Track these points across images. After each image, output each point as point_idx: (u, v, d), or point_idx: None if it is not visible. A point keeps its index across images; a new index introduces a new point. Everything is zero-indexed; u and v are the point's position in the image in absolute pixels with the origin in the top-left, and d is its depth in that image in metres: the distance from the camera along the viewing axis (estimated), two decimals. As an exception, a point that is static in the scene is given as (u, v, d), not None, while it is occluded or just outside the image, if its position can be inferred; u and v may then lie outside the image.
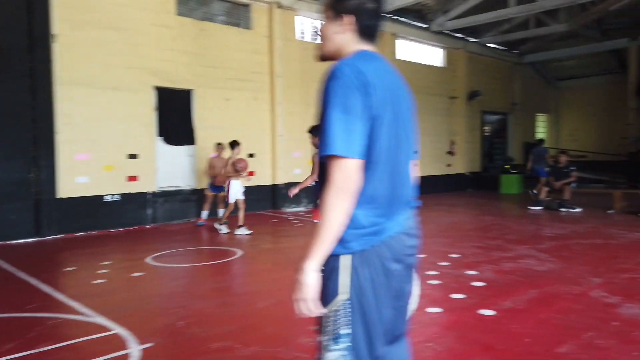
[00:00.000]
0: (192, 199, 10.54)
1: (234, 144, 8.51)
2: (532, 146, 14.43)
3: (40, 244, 7.99)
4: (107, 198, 9.25)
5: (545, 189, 11.37)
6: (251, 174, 11.38)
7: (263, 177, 11.67)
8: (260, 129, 11.68)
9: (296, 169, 12.37)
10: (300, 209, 12.36)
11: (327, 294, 1.57)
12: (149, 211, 9.87)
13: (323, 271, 1.57)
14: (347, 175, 1.46)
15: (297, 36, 12.55)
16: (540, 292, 4.58)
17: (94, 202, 9.05)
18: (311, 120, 13.16)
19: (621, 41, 17.60)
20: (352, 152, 1.46)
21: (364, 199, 1.54)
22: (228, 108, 11.02)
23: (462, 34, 16.53)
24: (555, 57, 19.65)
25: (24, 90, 8.18)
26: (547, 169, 11.80)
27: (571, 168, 11.17)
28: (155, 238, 8.49)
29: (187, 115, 10.41)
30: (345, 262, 1.54)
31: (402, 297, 1.68)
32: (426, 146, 16.03)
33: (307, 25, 12.95)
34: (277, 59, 11.62)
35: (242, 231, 8.27)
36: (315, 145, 5.07)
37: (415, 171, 1.87)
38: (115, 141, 9.30)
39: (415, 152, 1.85)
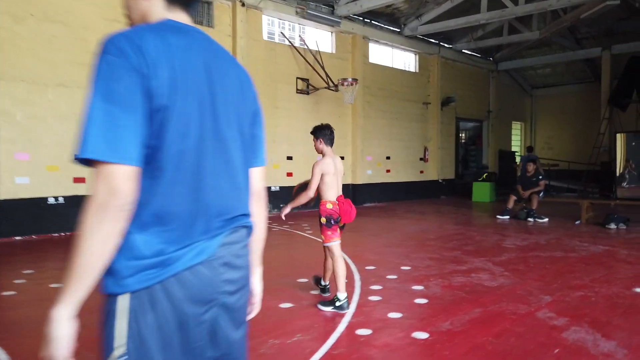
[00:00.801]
0: (146, 203, 10.04)
1: None
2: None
3: (-29, 250, 7.44)
4: (51, 200, 8.72)
5: (513, 198, 11.13)
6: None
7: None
8: (221, 131, 11.24)
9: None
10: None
11: (104, 346, 1.17)
12: (98, 215, 9.34)
13: (100, 315, 1.19)
14: (113, 187, 1.06)
15: (265, 36, 12.17)
16: (483, 312, 4.23)
17: (36, 205, 8.51)
18: (281, 125, 12.83)
19: (594, 50, 17.62)
20: (119, 155, 1.06)
21: (148, 219, 1.14)
22: (187, 109, 10.56)
23: (436, 39, 16.33)
24: (529, 64, 19.63)
25: (-44, 85, 7.64)
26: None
27: (539, 177, 10.95)
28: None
29: (142, 115, 9.93)
30: (122, 305, 1.14)
31: (218, 347, 1.28)
32: (399, 152, 15.79)
33: (275, 25, 12.58)
34: (241, 59, 11.19)
35: None
36: (317, 150, 4.46)
37: (258, 181, 1.48)
38: (60, 140, 8.76)
39: (258, 156, 1.47)
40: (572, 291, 4.89)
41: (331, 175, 4.29)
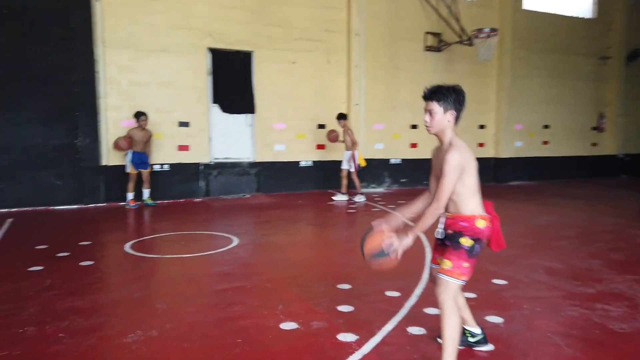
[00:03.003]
0: (250, 172, 9.67)
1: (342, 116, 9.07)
2: None
3: (79, 212, 7.85)
4: (156, 167, 8.83)
5: None
6: (322, 147, 10.15)
7: (338, 152, 10.21)
8: (333, 97, 10.23)
9: (378, 143, 10.70)
10: (380, 190, 10.71)
11: None
12: (202, 184, 9.25)
13: None
14: None
15: (389, -13, 10.64)
16: (575, 387, 2.55)
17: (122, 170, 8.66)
18: (403, 89, 11.13)
19: None
20: None
21: None
22: (294, 72, 9.78)
23: (623, -27, 12.66)
24: None
25: (60, 53, 7.94)
26: None
27: None
28: (188, 215, 7.76)
29: (246, 80, 9.45)
30: None
31: None
32: (562, 119, 12.95)
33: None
34: (356, 14, 9.92)
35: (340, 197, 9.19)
36: (439, 128, 2.60)
37: None
38: (163, 108, 8.77)
39: None
40: None
41: (475, 172, 2.57)
